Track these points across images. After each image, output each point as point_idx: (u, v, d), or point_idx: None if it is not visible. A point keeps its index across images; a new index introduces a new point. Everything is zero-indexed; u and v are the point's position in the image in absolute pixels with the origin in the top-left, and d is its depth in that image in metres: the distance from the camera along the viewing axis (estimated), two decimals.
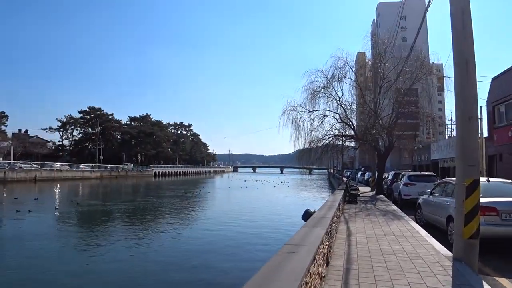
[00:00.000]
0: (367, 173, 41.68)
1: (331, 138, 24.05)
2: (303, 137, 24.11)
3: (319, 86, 23.62)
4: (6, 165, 55.81)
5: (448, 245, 7.63)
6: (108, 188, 51.50)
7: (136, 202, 31.08)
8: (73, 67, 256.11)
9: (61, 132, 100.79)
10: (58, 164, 67.96)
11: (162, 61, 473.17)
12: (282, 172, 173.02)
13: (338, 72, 23.17)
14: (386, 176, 26.32)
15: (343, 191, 15.81)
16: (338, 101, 23.50)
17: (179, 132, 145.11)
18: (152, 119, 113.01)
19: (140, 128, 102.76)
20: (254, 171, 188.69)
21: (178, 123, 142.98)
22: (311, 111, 23.89)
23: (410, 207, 16.16)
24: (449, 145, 34.66)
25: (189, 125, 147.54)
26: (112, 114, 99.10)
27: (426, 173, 18.47)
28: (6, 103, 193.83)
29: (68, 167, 68.42)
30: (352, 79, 23.36)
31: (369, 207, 15.43)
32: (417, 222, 11.60)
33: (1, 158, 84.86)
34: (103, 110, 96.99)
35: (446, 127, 53.22)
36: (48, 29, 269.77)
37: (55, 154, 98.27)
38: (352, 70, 23.43)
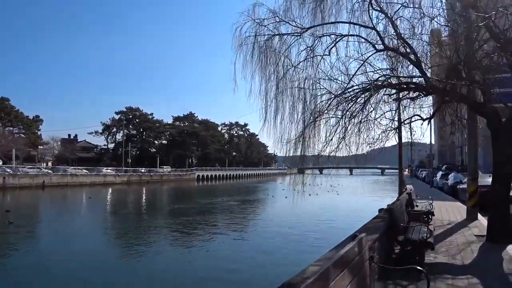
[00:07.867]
0: (452, 175, 25.28)
1: (363, 91, 8.17)
2: (289, 94, 9.56)
3: None
4: (8, 170, 49.33)
5: None
6: (106, 196, 41.54)
7: None
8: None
9: (105, 136, 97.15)
10: (71, 168, 61.08)
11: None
12: (351, 173, 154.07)
13: None
14: None
15: None
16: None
17: (234, 132, 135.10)
18: (198, 118, 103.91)
19: (182, 128, 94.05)
20: (321, 173, 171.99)
21: (233, 122, 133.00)
22: (307, 29, 9.31)
23: None
24: None
25: (245, 125, 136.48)
26: (151, 114, 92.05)
27: None
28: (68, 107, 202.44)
29: (86, 171, 61.01)
30: None
31: None
32: None
33: (50, 163, 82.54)
34: (142, 110, 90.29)
35: None
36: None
37: (101, 159, 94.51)
38: None
